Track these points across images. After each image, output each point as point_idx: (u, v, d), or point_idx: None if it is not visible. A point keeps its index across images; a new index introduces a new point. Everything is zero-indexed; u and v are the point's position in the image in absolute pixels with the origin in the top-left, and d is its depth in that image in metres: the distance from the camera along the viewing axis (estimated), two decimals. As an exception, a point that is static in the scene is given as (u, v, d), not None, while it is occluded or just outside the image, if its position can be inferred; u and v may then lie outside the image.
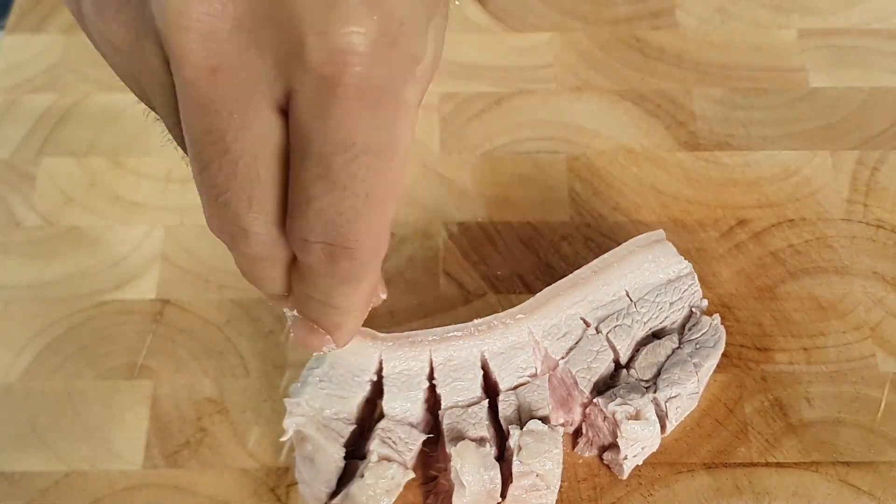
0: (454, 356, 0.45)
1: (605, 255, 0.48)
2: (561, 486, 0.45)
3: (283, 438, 0.42)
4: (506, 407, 0.45)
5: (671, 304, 0.47)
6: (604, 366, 0.46)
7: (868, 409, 0.48)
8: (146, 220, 0.54)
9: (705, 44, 0.61)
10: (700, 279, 0.48)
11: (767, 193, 0.55)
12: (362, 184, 0.30)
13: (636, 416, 0.44)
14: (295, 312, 0.36)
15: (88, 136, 0.57)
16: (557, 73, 0.59)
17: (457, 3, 0.60)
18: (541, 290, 0.47)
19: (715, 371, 0.48)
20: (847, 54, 0.60)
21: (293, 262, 0.33)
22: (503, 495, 0.43)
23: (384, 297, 0.46)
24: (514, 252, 0.53)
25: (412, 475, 0.43)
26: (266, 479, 0.46)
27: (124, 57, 0.30)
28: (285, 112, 0.29)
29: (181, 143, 0.32)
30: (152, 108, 0.32)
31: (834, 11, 0.62)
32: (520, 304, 0.46)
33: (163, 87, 0.30)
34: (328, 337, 0.37)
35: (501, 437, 0.44)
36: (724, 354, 0.48)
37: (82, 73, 0.60)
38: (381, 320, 0.51)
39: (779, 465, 0.46)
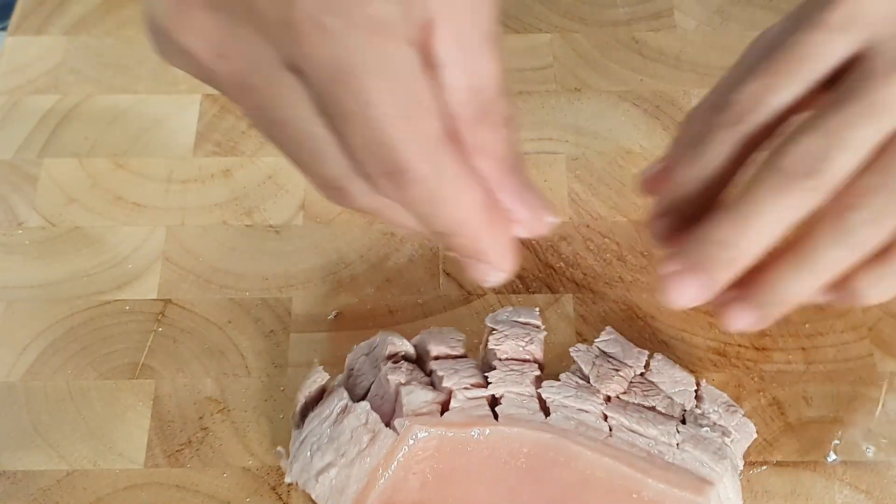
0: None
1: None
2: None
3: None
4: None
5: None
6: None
7: (866, 408, 0.48)
8: (148, 221, 0.54)
9: (704, 45, 0.61)
10: (699, 279, 0.48)
11: (766, 194, 0.55)
12: None
13: None
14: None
15: (90, 136, 0.58)
16: (557, 74, 0.60)
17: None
18: (540, 291, 0.46)
19: (714, 371, 0.48)
20: (845, 55, 0.60)
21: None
22: None
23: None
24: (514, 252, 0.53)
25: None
26: (267, 478, 0.46)
27: None
28: None
29: None
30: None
31: (832, 13, 0.62)
32: (520, 304, 0.46)
33: None
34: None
35: None
36: (722, 354, 0.48)
37: (84, 74, 0.60)
38: (382, 320, 0.51)
39: (777, 464, 0.46)
